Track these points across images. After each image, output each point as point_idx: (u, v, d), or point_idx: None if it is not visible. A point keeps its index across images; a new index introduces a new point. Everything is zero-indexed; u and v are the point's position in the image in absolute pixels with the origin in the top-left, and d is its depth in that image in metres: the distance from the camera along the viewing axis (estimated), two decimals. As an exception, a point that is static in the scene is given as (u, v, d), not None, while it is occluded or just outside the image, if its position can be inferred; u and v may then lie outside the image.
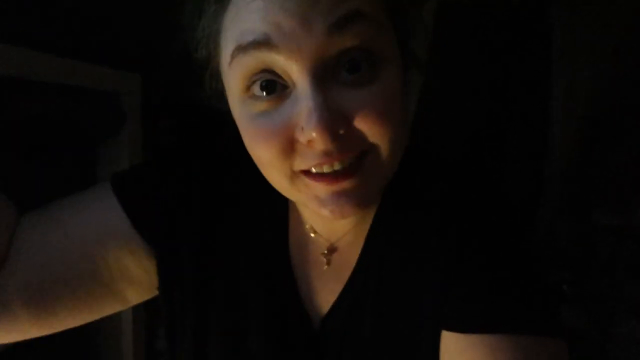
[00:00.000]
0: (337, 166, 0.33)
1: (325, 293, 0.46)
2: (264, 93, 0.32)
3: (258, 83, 0.32)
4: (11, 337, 0.43)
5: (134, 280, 0.46)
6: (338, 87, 0.31)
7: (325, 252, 0.46)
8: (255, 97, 0.33)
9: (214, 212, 0.47)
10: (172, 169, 0.48)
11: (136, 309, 0.85)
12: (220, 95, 0.39)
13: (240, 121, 0.35)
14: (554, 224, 1.45)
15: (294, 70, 0.30)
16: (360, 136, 0.32)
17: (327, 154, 0.32)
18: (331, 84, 0.31)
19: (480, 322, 0.37)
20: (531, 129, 1.73)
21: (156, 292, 0.48)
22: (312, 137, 0.30)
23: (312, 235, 0.46)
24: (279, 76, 0.31)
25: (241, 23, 0.31)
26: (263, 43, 0.30)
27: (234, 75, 0.33)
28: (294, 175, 0.35)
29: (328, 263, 0.46)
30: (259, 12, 0.30)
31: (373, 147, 0.33)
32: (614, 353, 1.26)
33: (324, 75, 0.31)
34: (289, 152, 0.33)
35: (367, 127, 0.32)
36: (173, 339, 0.48)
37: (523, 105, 1.71)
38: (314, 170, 0.33)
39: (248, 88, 0.33)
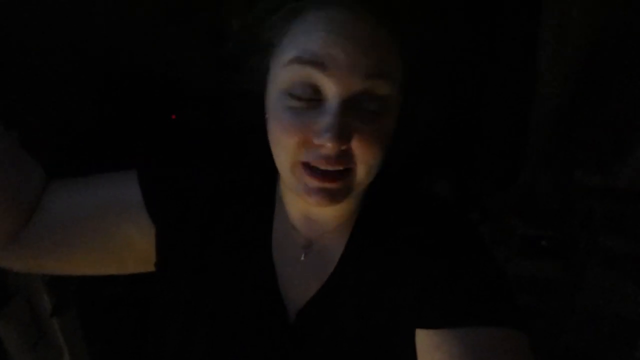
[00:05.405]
0: (329, 167, 0.42)
1: (303, 288, 0.51)
2: (302, 96, 0.41)
3: (300, 87, 0.41)
4: (40, 270, 0.56)
5: (136, 251, 0.54)
6: (353, 114, 0.41)
7: (302, 247, 0.52)
8: (293, 95, 0.41)
9: (211, 207, 0.54)
10: (187, 167, 0.57)
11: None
12: (257, 79, 0.46)
13: (275, 108, 0.43)
14: (535, 177, 1.46)
15: (331, 91, 0.40)
16: (352, 155, 0.42)
17: (327, 158, 0.41)
18: (350, 109, 0.41)
19: (451, 317, 0.43)
20: (519, 75, 1.67)
21: (153, 268, 0.54)
22: (325, 144, 0.40)
23: (293, 232, 0.53)
24: (317, 90, 0.41)
25: (305, 39, 0.40)
26: (319, 64, 0.39)
27: (285, 74, 0.41)
28: (296, 162, 0.43)
29: (304, 257, 0.52)
30: (322, 39, 0.39)
31: (355, 167, 0.44)
32: (584, 301, 1.35)
33: (348, 102, 0.41)
34: (300, 145, 0.42)
35: (359, 150, 0.42)
36: (161, 316, 0.53)
37: (510, 51, 1.64)
38: (312, 164, 0.42)
39: (291, 87, 0.41)
